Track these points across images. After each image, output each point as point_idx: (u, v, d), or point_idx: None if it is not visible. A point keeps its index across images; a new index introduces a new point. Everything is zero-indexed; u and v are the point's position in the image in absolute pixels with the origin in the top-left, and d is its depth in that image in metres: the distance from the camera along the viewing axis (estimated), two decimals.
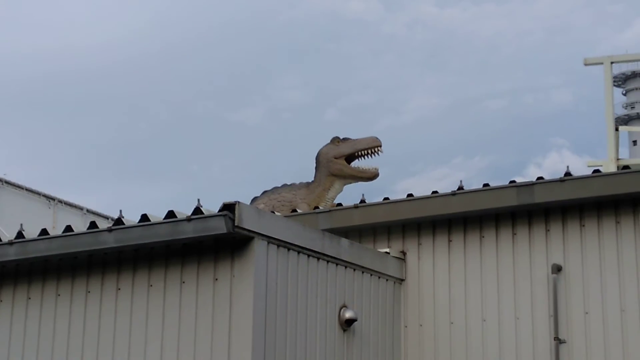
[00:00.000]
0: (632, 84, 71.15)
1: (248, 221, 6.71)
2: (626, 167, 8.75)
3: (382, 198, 8.54)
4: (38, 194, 15.24)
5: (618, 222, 7.61)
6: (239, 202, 6.67)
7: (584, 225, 7.72)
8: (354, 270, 7.71)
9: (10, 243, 7.63)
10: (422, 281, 8.14)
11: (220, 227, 6.61)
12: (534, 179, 7.81)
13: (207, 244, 6.94)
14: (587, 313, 7.53)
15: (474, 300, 7.92)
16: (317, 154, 10.13)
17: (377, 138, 10.02)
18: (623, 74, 67.46)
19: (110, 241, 7.15)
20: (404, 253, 8.25)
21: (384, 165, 10.03)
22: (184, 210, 6.87)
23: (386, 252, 8.15)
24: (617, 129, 10.02)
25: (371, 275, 7.88)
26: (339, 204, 9.35)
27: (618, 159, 9.74)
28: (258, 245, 6.79)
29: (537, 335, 7.64)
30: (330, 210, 8.73)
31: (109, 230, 7.18)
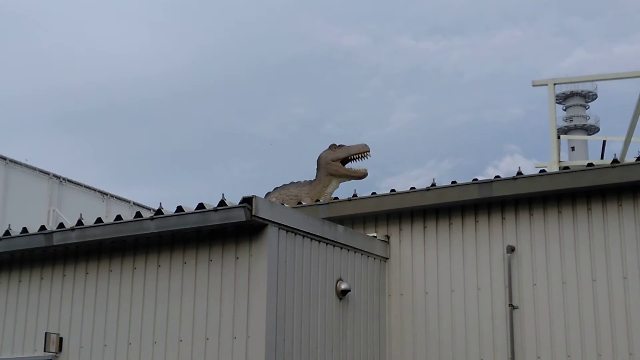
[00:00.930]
0: (570, 102, 71.27)
1: (263, 211, 6.70)
2: (566, 167, 8.72)
3: (370, 193, 8.54)
4: (94, 190, 15.20)
5: (560, 212, 7.60)
6: (255, 196, 6.67)
7: (532, 214, 7.70)
8: (348, 250, 7.70)
9: (72, 229, 7.63)
10: (403, 259, 8.12)
11: (240, 216, 6.61)
12: (492, 177, 7.79)
13: (229, 230, 6.92)
14: (535, 284, 7.51)
15: (444, 274, 7.90)
16: (318, 157, 10.11)
17: (366, 145, 10.01)
18: (564, 93, 67.54)
19: (152, 227, 7.15)
20: (387, 237, 8.24)
21: (371, 166, 10.02)
22: (211, 203, 6.87)
23: (373, 236, 8.14)
24: (559, 137, 10.00)
25: (361, 254, 7.87)
26: (336, 198, 9.34)
27: (560, 162, 9.72)
28: (271, 231, 6.79)
29: (495, 302, 7.62)
30: (328, 203, 8.73)
31: (151, 218, 7.18)
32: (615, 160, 7.60)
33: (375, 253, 8.03)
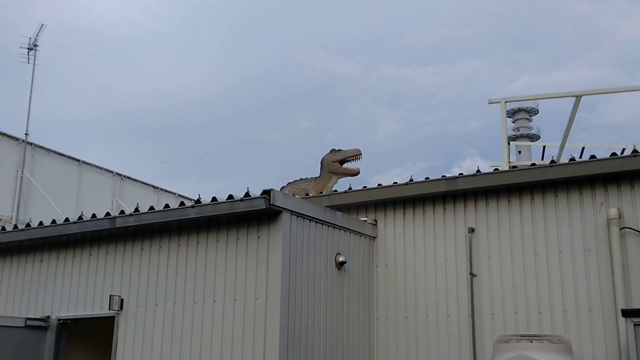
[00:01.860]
0: (518, 116, 71.24)
1: (278, 201, 6.70)
2: (514, 167, 8.71)
3: (362, 186, 8.52)
4: (148, 184, 15.21)
5: (509, 201, 7.59)
6: (273, 189, 6.68)
7: (488, 203, 7.69)
8: (344, 231, 7.70)
9: (130, 215, 7.65)
10: (387, 238, 8.12)
11: (261, 204, 6.61)
12: (457, 175, 7.78)
13: (253, 215, 6.93)
14: (489, 257, 7.52)
15: (419, 250, 7.90)
16: (321, 159, 10.12)
17: (359, 149, 10.01)
18: (512, 109, 67.47)
19: (192, 213, 7.16)
20: (375, 221, 8.23)
21: (363, 166, 10.00)
22: (239, 194, 6.88)
23: (364, 220, 8.13)
24: (509, 143, 10.01)
25: (355, 234, 7.87)
26: (335, 190, 9.34)
27: (509, 162, 9.73)
28: (285, 216, 6.80)
29: (459, 271, 7.63)
30: (329, 194, 8.74)
31: (192, 207, 7.19)
32: (552, 161, 7.58)
33: (365, 233, 8.04)
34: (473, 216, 7.71)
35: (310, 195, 9.15)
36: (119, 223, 7.68)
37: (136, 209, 7.66)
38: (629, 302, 6.74)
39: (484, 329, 7.34)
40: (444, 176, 7.84)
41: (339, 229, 7.60)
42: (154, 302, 7.45)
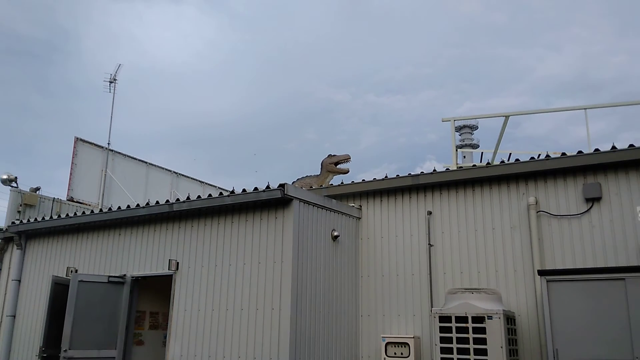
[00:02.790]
0: (463, 130, 71.01)
1: (290, 192, 6.69)
2: (461, 167, 8.67)
3: (351, 181, 8.50)
4: (196, 180, 15.18)
5: (457, 192, 7.55)
6: (286, 183, 6.65)
7: (441, 193, 7.66)
8: (338, 213, 7.69)
9: (183, 202, 7.64)
10: (369, 219, 8.10)
11: (278, 194, 6.59)
12: (419, 173, 7.77)
13: (272, 202, 6.91)
14: (442, 232, 7.49)
15: (392, 227, 7.88)
16: (321, 161, 10.07)
17: (348, 155, 9.97)
18: (459, 125, 67.19)
19: (228, 201, 7.15)
20: (360, 206, 8.21)
21: (351, 167, 9.96)
22: (262, 187, 6.86)
23: (352, 206, 8.11)
24: (456, 150, 9.95)
25: (346, 216, 7.86)
26: (331, 184, 9.30)
27: (457, 164, 9.68)
28: (295, 203, 6.78)
29: (420, 242, 7.61)
30: (327, 187, 8.70)
31: (228, 196, 7.18)
32: (488, 163, 7.58)
33: (353, 215, 8.03)
34: (431, 202, 7.70)
35: (313, 187, 9.13)
36: (175, 207, 7.68)
37: (188, 198, 7.66)
38: (543, 264, 6.75)
39: (438, 284, 7.34)
40: (410, 174, 7.83)
41: (334, 212, 7.60)
42: (201, 264, 7.45)
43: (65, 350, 7.60)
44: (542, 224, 6.89)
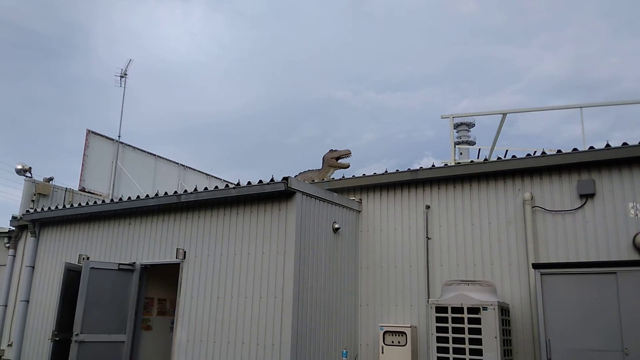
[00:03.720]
0: (461, 128, 70.95)
1: (294, 185, 6.67)
2: (458, 163, 8.64)
3: (351, 175, 8.48)
4: (202, 172, 15.17)
5: (454, 186, 7.52)
6: (289, 176, 6.64)
7: (439, 188, 7.63)
8: (339, 206, 7.67)
9: (190, 193, 7.63)
10: (368, 212, 8.09)
11: (281, 187, 6.58)
12: (418, 168, 7.75)
13: (276, 194, 6.89)
14: (440, 226, 7.47)
15: (391, 220, 7.87)
16: (323, 156, 10.05)
17: (349, 150, 9.94)
18: (457, 123, 67.00)
19: (233, 193, 7.13)
20: (360, 200, 8.20)
21: (352, 162, 10.01)
22: (266, 180, 6.84)
23: (353, 199, 8.10)
24: (454, 147, 9.92)
25: (346, 209, 7.85)
26: (333, 178, 9.29)
27: (455, 160, 9.66)
28: (298, 195, 6.76)
29: (419, 235, 7.59)
30: (329, 181, 8.68)
31: (233, 188, 7.16)
32: (485, 160, 7.54)
33: (354, 208, 8.02)
34: (429, 197, 7.67)
35: (315, 181, 9.12)
36: (183, 198, 7.68)
37: (195, 189, 7.65)
38: (537, 258, 6.73)
39: (435, 275, 7.33)
40: (409, 169, 7.81)
41: (335, 205, 7.58)
42: (207, 253, 7.45)
43: (77, 335, 7.63)
44: (537, 219, 6.86)
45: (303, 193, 6.86)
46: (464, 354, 6.09)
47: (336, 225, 7.41)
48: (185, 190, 7.76)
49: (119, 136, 12.95)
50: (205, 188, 7.60)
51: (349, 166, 9.96)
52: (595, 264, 5.86)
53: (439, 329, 6.31)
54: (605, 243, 6.43)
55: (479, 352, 6.02)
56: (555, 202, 6.82)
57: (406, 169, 7.81)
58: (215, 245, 7.38)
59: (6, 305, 9.92)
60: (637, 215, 6.38)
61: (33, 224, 9.76)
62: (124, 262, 8.24)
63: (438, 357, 6.22)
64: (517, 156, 7.19)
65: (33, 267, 9.65)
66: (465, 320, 6.18)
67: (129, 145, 13.28)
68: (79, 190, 11.70)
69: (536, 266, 6.07)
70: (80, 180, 11.92)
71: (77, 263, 8.53)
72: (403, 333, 7.10)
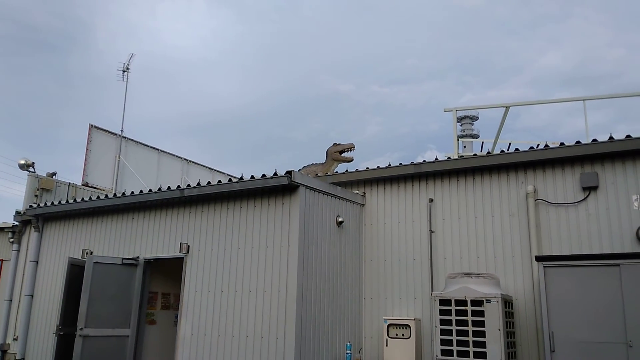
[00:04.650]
0: (464, 121, 70.52)
1: (297, 178, 6.67)
2: (461, 156, 8.64)
3: (355, 169, 8.47)
4: (205, 166, 15.18)
5: (458, 180, 7.53)
6: (293, 170, 6.64)
7: (442, 181, 7.62)
8: (343, 200, 7.68)
9: (194, 187, 7.64)
10: (372, 206, 8.10)
11: (285, 181, 6.58)
12: (422, 161, 7.74)
13: (279, 188, 6.90)
14: (443, 219, 7.48)
15: (394, 213, 7.88)
16: (327, 150, 10.05)
17: (353, 143, 9.95)
18: (460, 116, 66.57)
19: (237, 187, 7.15)
20: (364, 193, 8.20)
21: (355, 155, 9.94)
22: (269, 174, 6.85)
23: (357, 192, 8.10)
24: (458, 140, 9.91)
25: (350, 202, 7.86)
26: (336, 172, 9.29)
27: (458, 153, 9.65)
28: (301, 189, 6.77)
29: (422, 228, 7.61)
30: (333, 174, 8.68)
31: (237, 182, 7.17)
32: (488, 153, 7.53)
33: (357, 202, 8.02)
34: (432, 190, 7.68)
35: (319, 175, 9.13)
36: (186, 193, 7.70)
37: (198, 183, 7.66)
38: (540, 250, 6.74)
39: (439, 268, 7.35)
40: (412, 162, 7.81)
41: (339, 199, 7.59)
42: (211, 248, 7.48)
43: (81, 329, 7.68)
44: (540, 211, 6.87)
45: (307, 187, 6.86)
46: (468, 346, 6.11)
47: (340, 219, 7.43)
48: (189, 185, 7.77)
49: (121, 131, 12.97)
50: (209, 182, 7.61)
51: (352, 160, 9.97)
52: (599, 256, 5.87)
53: (442, 322, 6.33)
54: (609, 235, 6.44)
55: (483, 345, 6.05)
56: (559, 194, 6.82)
57: (410, 163, 7.82)
58: (218, 239, 7.40)
59: (11, 300, 9.99)
60: None
61: (36, 218, 9.80)
62: (127, 257, 8.27)
63: (442, 350, 6.25)
64: (521, 149, 7.18)
65: (37, 262, 9.70)
66: (469, 313, 6.20)
67: (132, 140, 13.30)
68: (82, 185, 11.73)
69: (539, 259, 6.08)
70: (83, 175, 11.95)
71: (80, 258, 8.58)
72: (407, 326, 7.13)
